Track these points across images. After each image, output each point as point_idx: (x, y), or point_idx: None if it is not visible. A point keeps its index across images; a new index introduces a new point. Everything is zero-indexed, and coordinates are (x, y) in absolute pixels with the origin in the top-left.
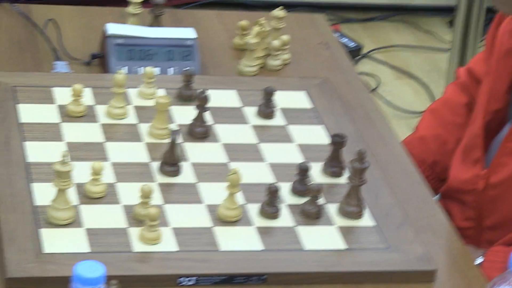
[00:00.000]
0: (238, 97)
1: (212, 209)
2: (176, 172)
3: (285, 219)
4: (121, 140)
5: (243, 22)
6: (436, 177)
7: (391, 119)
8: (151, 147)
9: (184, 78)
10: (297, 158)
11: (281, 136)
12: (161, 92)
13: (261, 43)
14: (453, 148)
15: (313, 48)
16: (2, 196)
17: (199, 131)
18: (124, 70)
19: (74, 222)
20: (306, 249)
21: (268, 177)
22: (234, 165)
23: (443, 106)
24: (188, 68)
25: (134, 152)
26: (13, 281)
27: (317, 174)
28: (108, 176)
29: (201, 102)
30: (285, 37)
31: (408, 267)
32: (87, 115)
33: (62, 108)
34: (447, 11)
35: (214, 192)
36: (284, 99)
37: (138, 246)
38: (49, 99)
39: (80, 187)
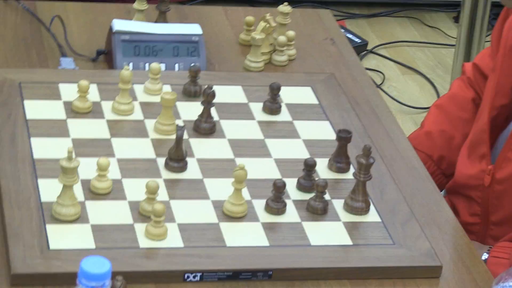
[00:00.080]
0: (244, 93)
1: (218, 205)
2: (182, 168)
3: (291, 214)
4: (127, 136)
5: (249, 18)
6: (442, 172)
7: (396, 114)
8: (157, 143)
9: (190, 74)
10: (303, 153)
11: (287, 131)
12: (167, 88)
13: (266, 39)
14: (459, 144)
15: (319, 43)
16: (8, 192)
17: (205, 127)
18: (130, 66)
19: (80, 218)
20: (312, 245)
21: (274, 173)
22: (240, 161)
23: (449, 102)
24: (194, 64)
25: (140, 148)
26: (18, 277)
27: (323, 170)
28: (114, 172)
29: (207, 98)
30: (291, 33)
31: (414, 263)
32: (93, 111)
33: (68, 104)
34: (453, 7)
35: (220, 188)
36: (290, 94)
37: (144, 242)
38: (55, 96)
39: (86, 183)
